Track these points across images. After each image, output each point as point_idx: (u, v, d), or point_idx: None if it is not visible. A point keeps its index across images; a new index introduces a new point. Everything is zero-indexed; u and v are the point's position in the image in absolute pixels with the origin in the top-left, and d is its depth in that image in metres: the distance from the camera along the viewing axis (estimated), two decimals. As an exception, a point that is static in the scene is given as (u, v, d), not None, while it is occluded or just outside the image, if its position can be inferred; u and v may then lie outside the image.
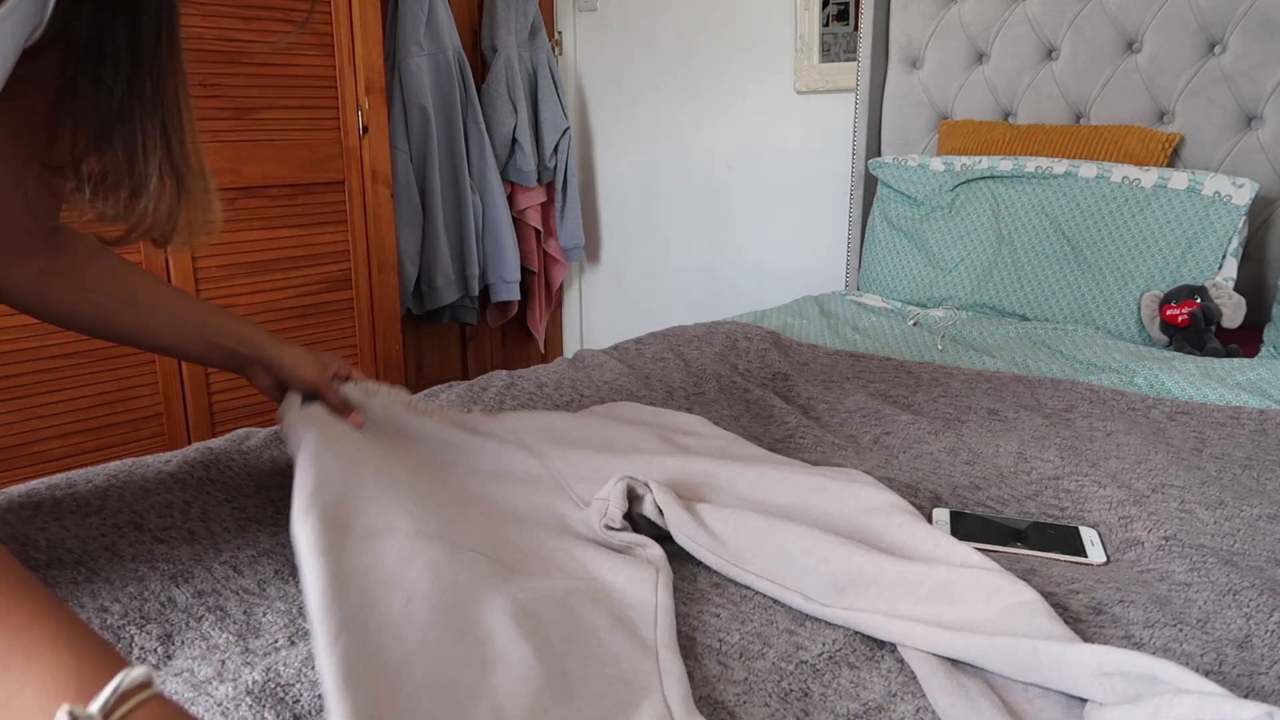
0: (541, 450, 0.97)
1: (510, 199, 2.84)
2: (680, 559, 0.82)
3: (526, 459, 0.95)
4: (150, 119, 0.71)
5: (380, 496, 0.74)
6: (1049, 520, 0.93)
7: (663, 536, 0.84)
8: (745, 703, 0.62)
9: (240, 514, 0.90)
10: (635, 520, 0.85)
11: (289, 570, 0.80)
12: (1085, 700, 0.61)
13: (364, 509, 0.71)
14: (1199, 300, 1.62)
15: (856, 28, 2.41)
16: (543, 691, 0.57)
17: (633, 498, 0.85)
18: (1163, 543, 0.86)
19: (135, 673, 0.42)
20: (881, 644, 0.69)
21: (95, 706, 0.40)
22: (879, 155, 2.33)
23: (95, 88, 0.69)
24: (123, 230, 0.74)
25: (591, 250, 3.17)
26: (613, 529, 0.81)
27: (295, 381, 0.96)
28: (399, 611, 0.60)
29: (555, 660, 0.61)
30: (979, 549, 0.86)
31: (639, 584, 0.74)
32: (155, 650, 0.67)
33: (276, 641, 0.68)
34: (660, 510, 0.83)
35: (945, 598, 0.71)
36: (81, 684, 0.42)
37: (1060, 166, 1.88)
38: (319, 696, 0.61)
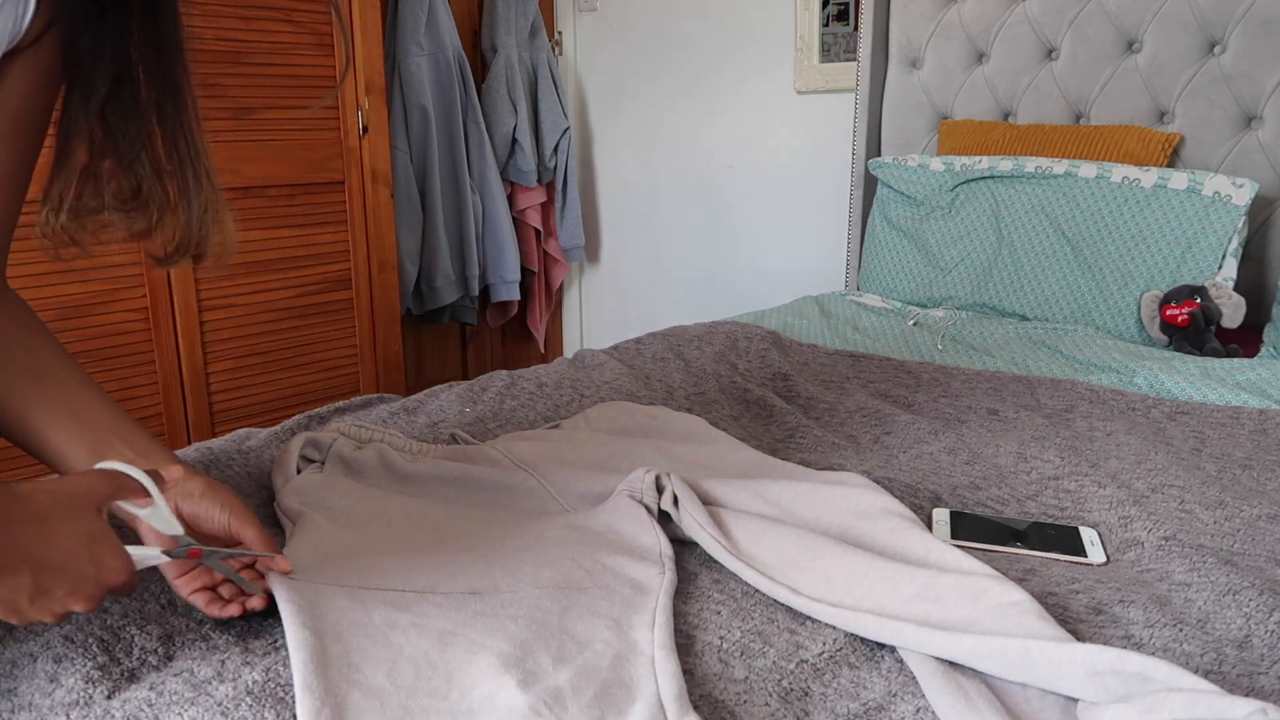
0: (543, 471, 0.97)
1: (510, 199, 2.84)
2: (680, 558, 0.82)
3: (526, 479, 0.96)
4: (183, 128, 0.71)
5: (371, 557, 0.76)
6: (1049, 520, 0.93)
7: (672, 538, 0.84)
8: (745, 702, 0.62)
9: (240, 514, 0.90)
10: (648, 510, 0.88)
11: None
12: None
13: (354, 569, 0.74)
14: (1199, 300, 1.62)
15: (856, 28, 2.41)
16: (529, 716, 0.58)
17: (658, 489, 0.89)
18: (1162, 543, 0.86)
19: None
20: (882, 644, 0.69)
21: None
22: (879, 155, 2.33)
23: (130, 101, 0.69)
24: (169, 248, 0.74)
25: (591, 250, 3.17)
26: (639, 501, 0.86)
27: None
28: (384, 676, 0.61)
29: (548, 678, 0.61)
30: (978, 549, 0.86)
31: (644, 585, 0.75)
32: (156, 650, 0.67)
33: (276, 641, 0.68)
34: (675, 499, 0.86)
35: (932, 597, 0.71)
36: None
37: (1060, 166, 1.88)
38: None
